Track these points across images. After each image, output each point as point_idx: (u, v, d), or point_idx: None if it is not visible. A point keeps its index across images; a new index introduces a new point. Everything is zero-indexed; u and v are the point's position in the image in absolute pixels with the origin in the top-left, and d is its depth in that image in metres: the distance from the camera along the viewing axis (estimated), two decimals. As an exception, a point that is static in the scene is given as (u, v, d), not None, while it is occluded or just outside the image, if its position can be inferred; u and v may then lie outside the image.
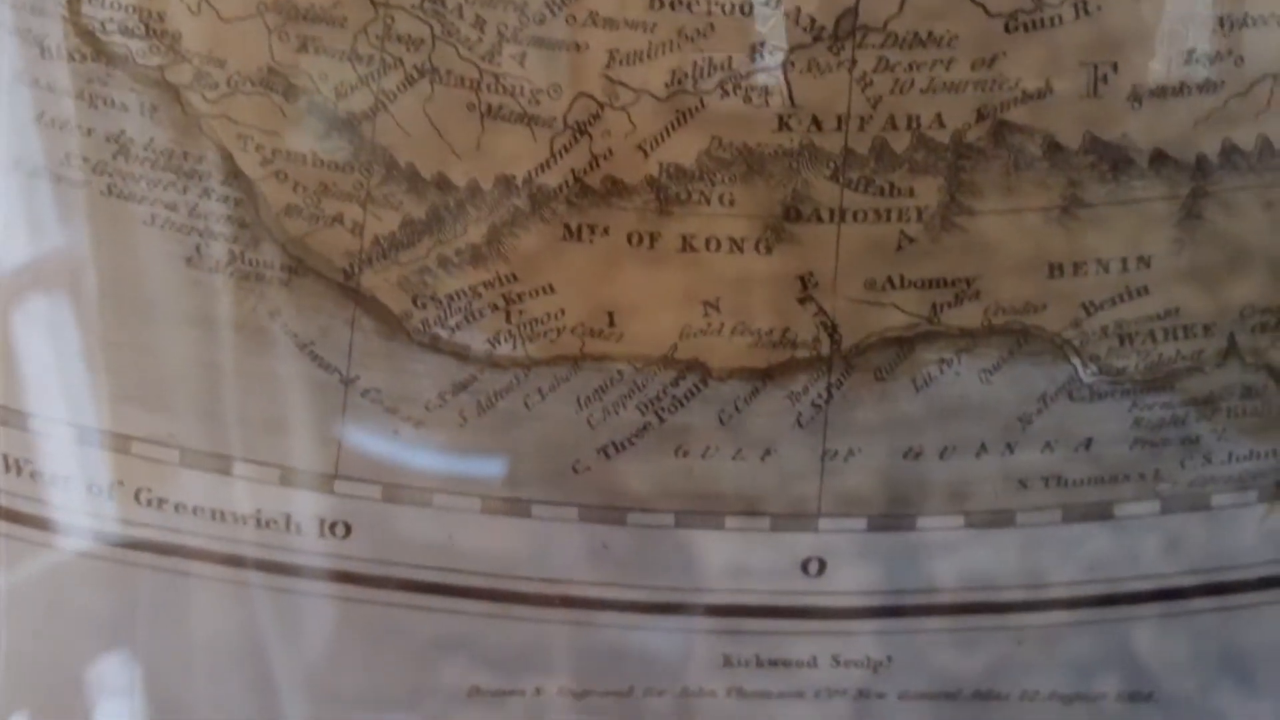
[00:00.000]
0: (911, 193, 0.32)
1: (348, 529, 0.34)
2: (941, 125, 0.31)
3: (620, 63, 0.31)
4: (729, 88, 0.31)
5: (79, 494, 0.34)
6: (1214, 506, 0.34)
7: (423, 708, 0.36)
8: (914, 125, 0.31)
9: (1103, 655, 0.36)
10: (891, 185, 0.32)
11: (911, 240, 0.32)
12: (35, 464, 0.34)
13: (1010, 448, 0.34)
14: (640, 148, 0.31)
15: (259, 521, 0.34)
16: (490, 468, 0.34)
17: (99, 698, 0.35)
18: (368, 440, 0.34)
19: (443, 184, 0.32)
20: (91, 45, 0.31)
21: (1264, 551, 0.35)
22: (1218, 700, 0.36)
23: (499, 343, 0.33)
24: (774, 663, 0.36)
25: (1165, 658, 0.36)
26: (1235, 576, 0.35)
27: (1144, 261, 0.32)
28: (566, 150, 0.31)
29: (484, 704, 0.36)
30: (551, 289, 0.32)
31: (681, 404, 0.33)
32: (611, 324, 0.33)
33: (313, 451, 0.34)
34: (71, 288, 0.33)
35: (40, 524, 0.34)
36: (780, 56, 0.31)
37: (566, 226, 0.32)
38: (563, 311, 0.32)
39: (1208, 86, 0.31)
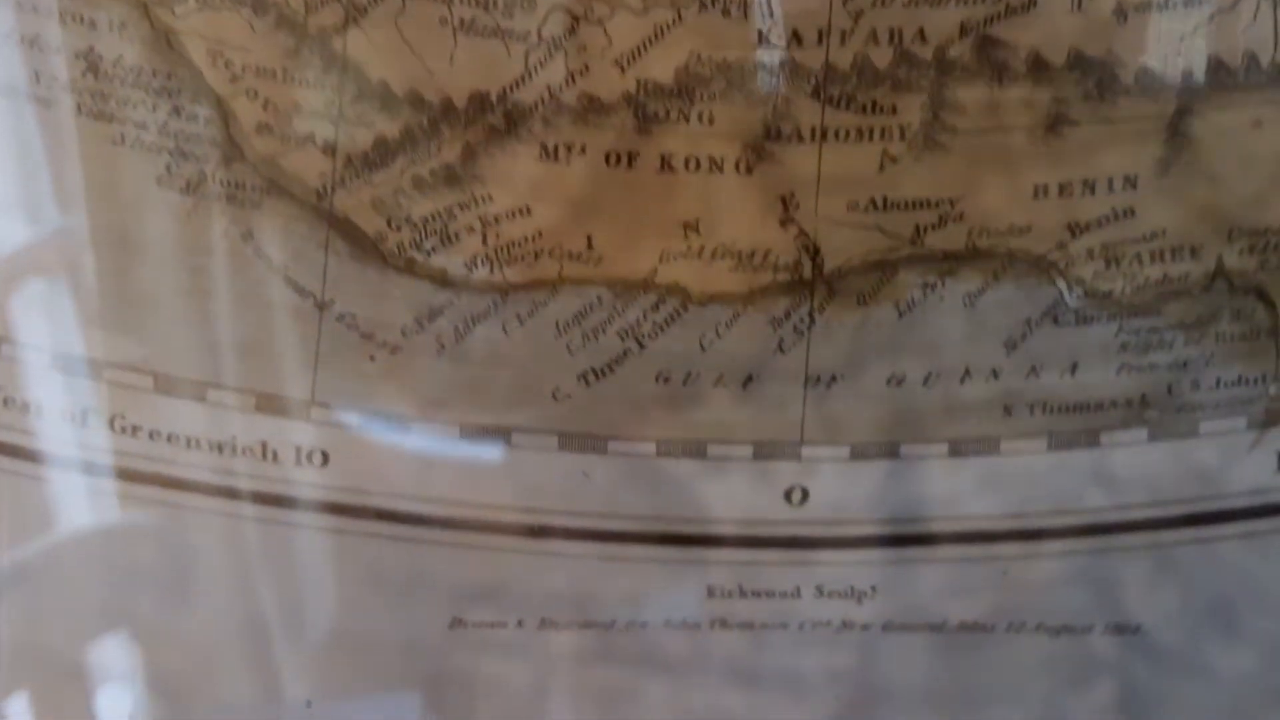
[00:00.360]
0: (894, 110, 0.31)
1: (325, 457, 0.34)
2: (924, 40, 0.31)
3: (596, -25, 0.30)
4: (707, 1, 0.30)
5: (52, 421, 0.33)
6: (1202, 434, 0.34)
7: (403, 639, 0.36)
8: (896, 40, 0.30)
9: (1089, 587, 0.35)
10: (873, 103, 0.31)
11: (894, 160, 0.31)
12: (7, 390, 0.33)
13: (995, 374, 0.33)
14: (617, 63, 0.31)
15: (235, 449, 0.34)
16: (468, 395, 0.34)
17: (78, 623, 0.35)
18: (344, 366, 0.33)
19: (415, 101, 0.31)
20: (57, -41, 0.31)
21: (1252, 480, 0.34)
22: (1205, 633, 0.35)
23: (475, 266, 0.32)
24: (757, 594, 0.35)
25: (1152, 589, 0.35)
26: (1223, 506, 0.34)
27: (1130, 182, 0.32)
28: (541, 66, 0.31)
29: (465, 636, 0.36)
30: (528, 211, 0.32)
31: (662, 329, 0.33)
32: (590, 247, 0.32)
33: (288, 378, 0.33)
34: (39, 210, 0.32)
35: (13, 451, 0.34)
36: (759, -32, 0.30)
37: (543, 146, 0.31)
38: (540, 234, 0.32)
39: (1193, 1, 0.30)
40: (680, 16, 0.30)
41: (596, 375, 0.33)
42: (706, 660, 0.36)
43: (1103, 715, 0.36)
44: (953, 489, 0.34)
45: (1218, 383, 0.33)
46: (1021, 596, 0.35)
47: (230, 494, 0.34)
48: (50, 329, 0.33)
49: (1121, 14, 0.30)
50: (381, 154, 0.31)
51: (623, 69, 0.31)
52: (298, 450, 0.34)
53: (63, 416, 0.34)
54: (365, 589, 0.35)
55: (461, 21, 0.30)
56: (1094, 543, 0.35)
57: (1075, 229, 0.32)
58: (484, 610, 0.36)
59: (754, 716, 0.36)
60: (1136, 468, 0.34)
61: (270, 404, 0.34)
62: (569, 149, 0.31)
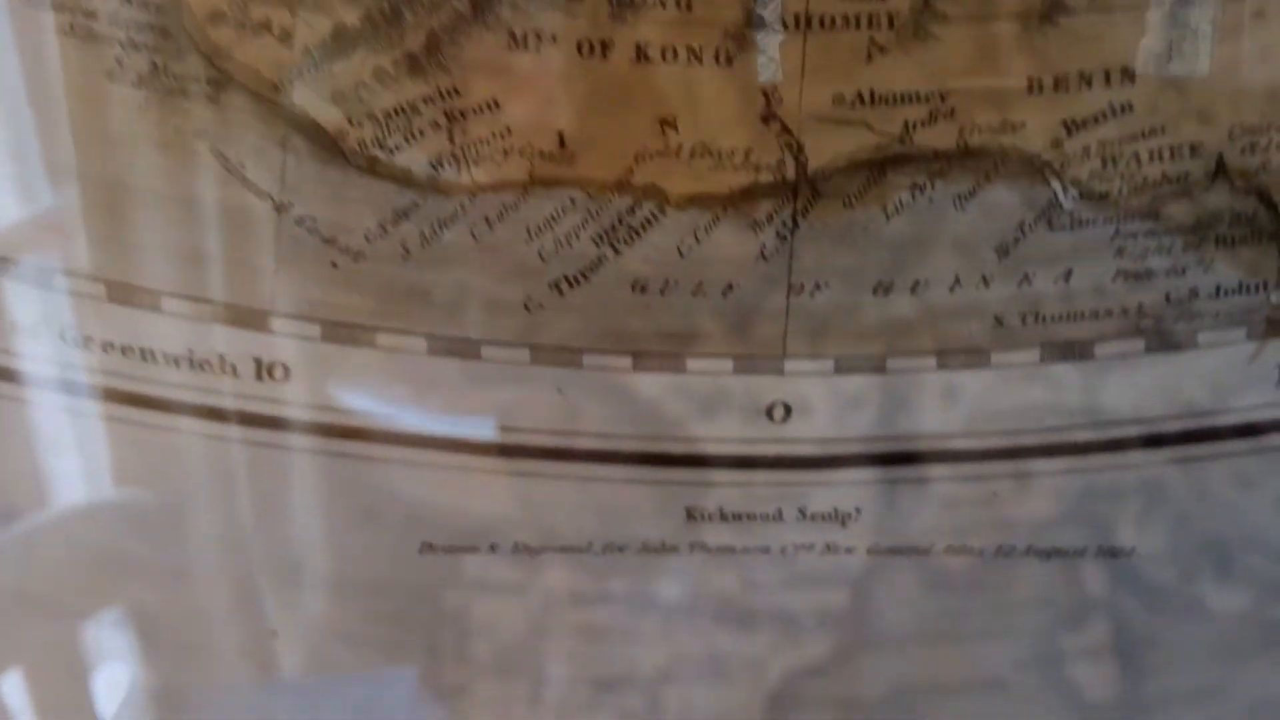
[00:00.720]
0: (882, -5, 0.29)
1: (286, 371, 0.33)
2: (913, -82, 0.29)
3: None
4: None
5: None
6: (1200, 345, 0.33)
7: (370, 565, 0.34)
8: (883, -80, 0.29)
9: (1081, 507, 0.34)
10: (860, -12, 0.29)
11: (882, 50, 0.30)
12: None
13: (985, 281, 0.32)
14: (589, -56, 0.29)
15: (192, 363, 0.32)
16: (435, 304, 0.32)
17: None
18: (304, 273, 0.32)
19: (377, -16, 0.29)
20: None
21: (1251, 395, 0.33)
22: (1198, 555, 0.34)
23: (442, 166, 0.31)
24: (738, 516, 0.34)
25: (1146, 508, 0.34)
26: (1221, 422, 0.33)
27: (1128, 76, 0.30)
28: (509, -54, 0.29)
29: (435, 561, 0.34)
30: (496, 105, 0.30)
31: (638, 234, 0.31)
32: (562, 145, 0.30)
33: (246, 286, 0.32)
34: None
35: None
36: None
37: (511, 34, 0.29)
38: (509, 131, 0.30)
39: (1197, -118, 0.29)
40: (655, -111, 0.29)
41: (570, 284, 0.32)
42: (695, 600, 0.34)
43: (1095, 653, 0.35)
44: (940, 405, 0.33)
45: (1217, 290, 0.32)
46: (1011, 522, 0.34)
47: (190, 411, 0.33)
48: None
49: (1120, -104, 0.29)
50: (341, 43, 0.29)
51: (595, -50, 0.29)
52: (258, 363, 0.32)
53: (8, 327, 0.32)
54: (332, 511, 0.34)
55: (424, -103, 0.29)
56: (1086, 462, 0.34)
57: (1071, 126, 0.30)
58: (455, 534, 0.34)
59: (746, 657, 0.35)
60: (1131, 383, 0.33)
61: (227, 314, 0.32)
62: (539, 37, 0.29)
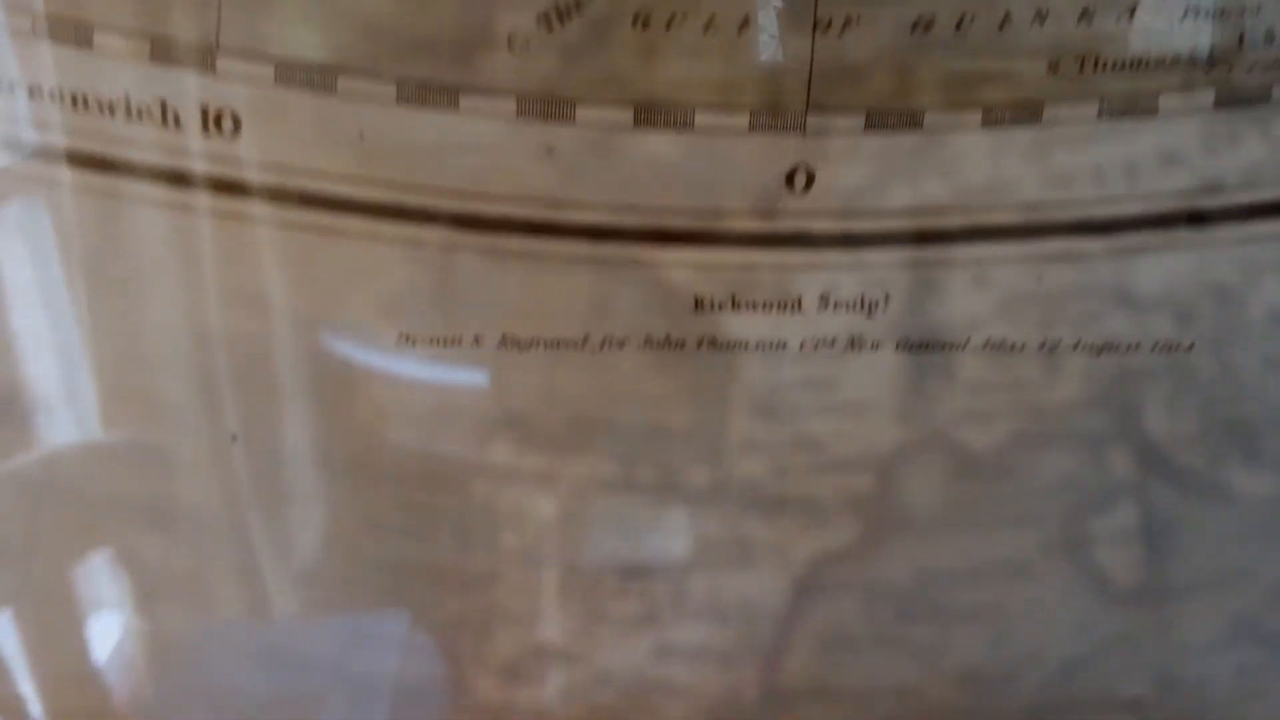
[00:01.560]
0: None
1: (236, 123, 0.28)
2: None
3: None
4: None
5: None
6: (1274, 100, 0.29)
7: (343, 358, 0.30)
8: None
9: (1138, 288, 0.30)
10: None
11: None
12: None
13: (1040, 17, 0.28)
14: None
15: (129, 110, 0.28)
16: (406, 40, 0.28)
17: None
18: (255, 1, 0.27)
19: None
20: None
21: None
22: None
23: None
24: (753, 305, 0.30)
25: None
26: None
27: None
28: None
29: (414, 356, 0.30)
30: None
31: (641, -43, 0.27)
32: None
33: (187, 15, 0.27)
34: None
35: None
36: None
37: None
38: None
39: None
40: None
41: (561, 16, 0.28)
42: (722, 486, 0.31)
43: (1122, 538, 0.32)
44: (984, 169, 0.29)
45: (1299, 32, 0.28)
46: (1057, 305, 0.30)
47: (129, 170, 0.29)
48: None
49: None
50: None
51: None
52: (204, 111, 0.28)
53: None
54: (295, 288, 0.29)
55: None
56: (1147, 238, 0.30)
57: None
58: (432, 321, 0.30)
59: (771, 543, 0.32)
60: (1196, 141, 0.29)
61: (165, 50, 0.28)
62: None
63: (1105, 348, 0.30)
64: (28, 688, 0.32)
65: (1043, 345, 0.31)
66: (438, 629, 0.32)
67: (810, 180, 0.29)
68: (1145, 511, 0.32)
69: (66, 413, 0.30)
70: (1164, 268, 0.30)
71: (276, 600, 0.32)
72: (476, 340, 0.30)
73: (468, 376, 0.31)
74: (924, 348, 0.31)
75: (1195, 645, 0.33)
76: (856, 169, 0.29)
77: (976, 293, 0.30)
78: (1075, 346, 0.31)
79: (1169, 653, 0.33)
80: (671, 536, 0.32)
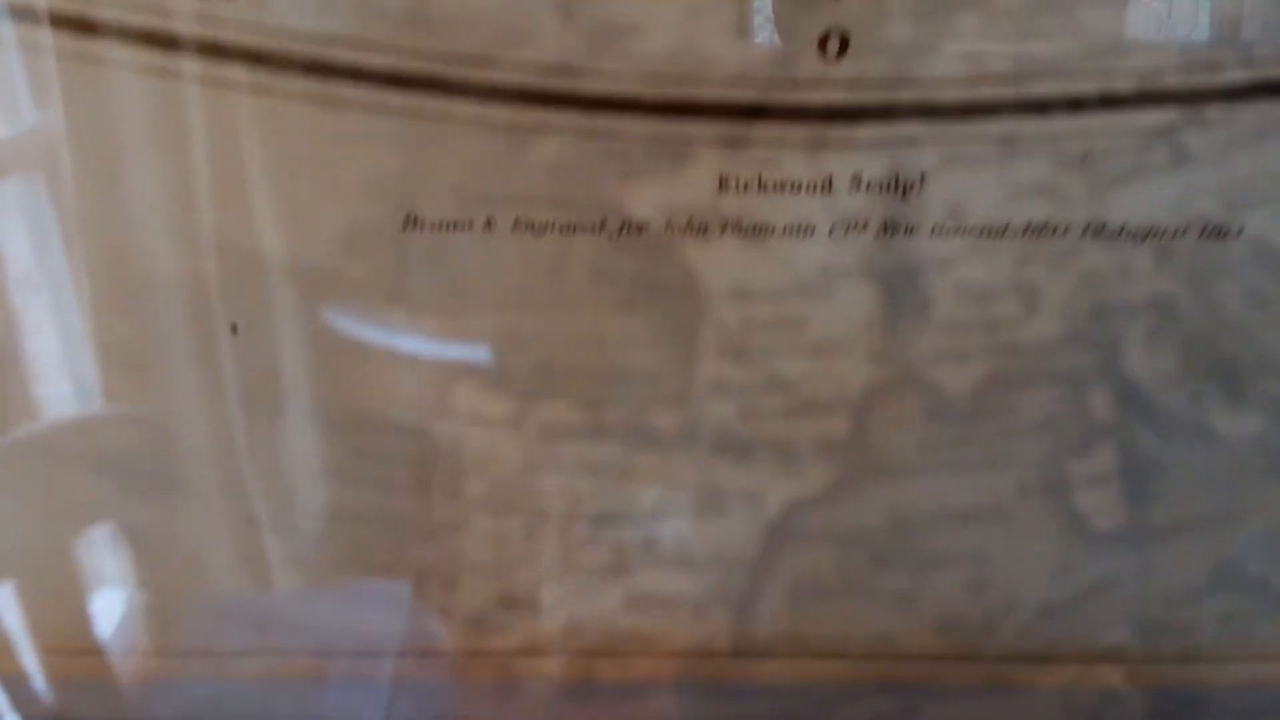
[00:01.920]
0: None
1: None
2: None
3: None
4: None
5: None
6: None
7: (355, 249, 0.28)
8: None
9: (1183, 176, 0.28)
10: None
11: None
12: None
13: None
14: None
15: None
16: None
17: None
18: None
19: None
20: None
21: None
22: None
23: None
24: (780, 186, 0.28)
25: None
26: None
27: None
28: None
29: (423, 240, 0.28)
30: None
31: None
32: None
33: None
34: None
35: None
36: None
37: None
38: None
39: None
40: None
41: None
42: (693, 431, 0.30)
43: (1102, 480, 0.31)
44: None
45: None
46: (1095, 193, 0.29)
47: (120, 34, 0.27)
48: None
49: None
50: None
51: None
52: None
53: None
54: (298, 166, 0.28)
55: None
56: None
57: None
58: (443, 204, 0.28)
59: (744, 489, 0.31)
60: None
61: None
62: None
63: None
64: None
65: (1085, 229, 0.29)
66: (401, 579, 0.31)
67: (844, 46, 0.28)
68: (1125, 453, 0.31)
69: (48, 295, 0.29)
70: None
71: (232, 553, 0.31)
72: (489, 224, 0.29)
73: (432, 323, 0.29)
74: (957, 231, 0.29)
75: (1177, 591, 0.32)
76: (895, 31, 0.27)
77: (1010, 168, 0.29)
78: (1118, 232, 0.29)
79: (1150, 599, 0.32)
80: (640, 483, 0.31)
